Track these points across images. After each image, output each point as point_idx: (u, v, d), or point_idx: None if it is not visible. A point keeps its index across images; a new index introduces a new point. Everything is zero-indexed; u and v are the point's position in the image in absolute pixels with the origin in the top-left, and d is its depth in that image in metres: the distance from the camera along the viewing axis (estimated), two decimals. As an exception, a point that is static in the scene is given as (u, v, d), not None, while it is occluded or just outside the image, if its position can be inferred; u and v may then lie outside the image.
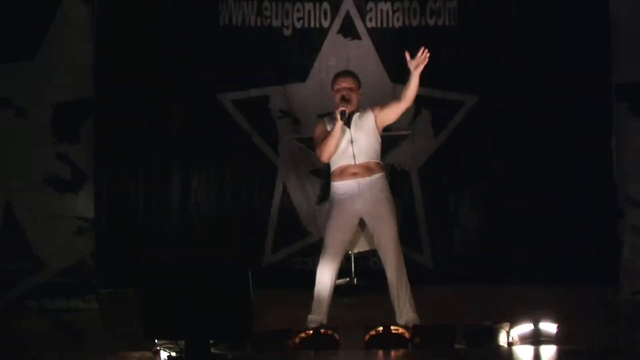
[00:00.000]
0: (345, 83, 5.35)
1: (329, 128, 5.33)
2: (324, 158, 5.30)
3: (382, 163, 5.42)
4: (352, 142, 5.30)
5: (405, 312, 5.36)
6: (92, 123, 6.49)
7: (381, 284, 6.12)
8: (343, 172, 5.35)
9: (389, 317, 5.43)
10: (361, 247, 5.98)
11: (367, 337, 5.14)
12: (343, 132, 5.24)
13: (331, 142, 5.22)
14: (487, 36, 6.78)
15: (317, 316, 5.37)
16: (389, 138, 6.87)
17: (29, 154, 6.34)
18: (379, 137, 5.37)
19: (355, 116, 5.29)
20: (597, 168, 6.70)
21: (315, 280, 5.40)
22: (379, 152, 5.38)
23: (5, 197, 6.31)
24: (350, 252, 6.38)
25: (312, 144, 5.48)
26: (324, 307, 5.38)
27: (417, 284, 5.50)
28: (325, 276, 5.36)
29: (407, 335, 5.12)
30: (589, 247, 6.65)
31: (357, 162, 5.32)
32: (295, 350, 4.89)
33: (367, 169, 5.34)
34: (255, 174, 6.89)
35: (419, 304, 5.42)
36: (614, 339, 5.09)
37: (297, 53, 6.89)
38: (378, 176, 5.37)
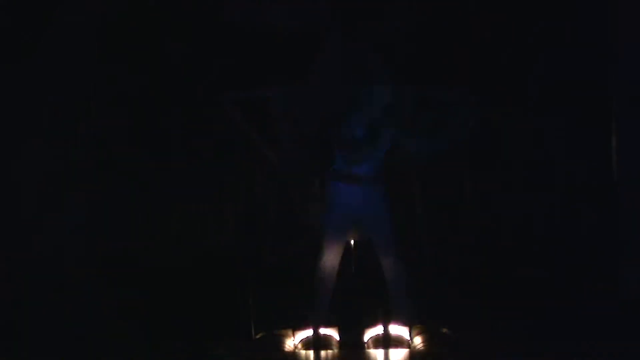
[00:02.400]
0: None
1: None
2: None
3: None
4: None
5: (404, 313, 5.37)
6: (92, 123, 6.51)
7: (381, 284, 6.13)
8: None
9: (389, 317, 5.43)
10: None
11: (366, 337, 5.16)
12: None
13: None
14: (486, 36, 6.77)
15: (318, 316, 5.38)
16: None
17: (28, 154, 6.35)
18: None
19: None
20: (597, 168, 6.69)
21: (315, 281, 5.41)
22: None
23: (4, 197, 6.32)
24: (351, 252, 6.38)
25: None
26: (326, 308, 5.39)
27: (417, 284, 5.50)
28: (326, 276, 5.38)
29: (406, 335, 5.14)
30: (588, 247, 6.64)
31: None
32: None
33: None
34: (255, 174, 6.88)
35: (419, 304, 5.43)
36: (613, 338, 5.10)
37: (297, 53, 6.88)
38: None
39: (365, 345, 5.14)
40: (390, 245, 5.38)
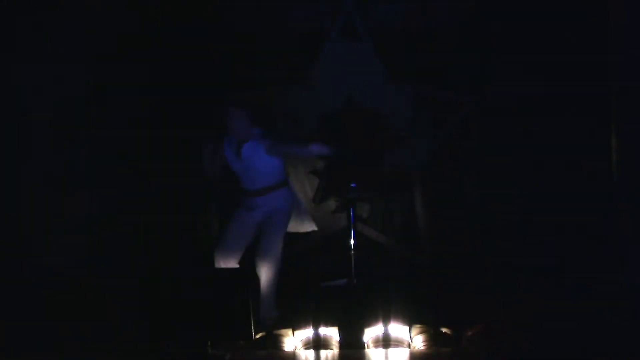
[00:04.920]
0: None
1: None
2: None
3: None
4: None
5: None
6: (92, 123, 6.52)
7: (381, 284, 6.13)
8: None
9: (390, 317, 5.44)
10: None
11: (366, 337, 5.16)
12: None
13: None
14: (486, 36, 6.78)
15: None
16: (388, 138, 6.87)
17: (28, 154, 6.36)
18: None
19: None
20: (597, 168, 6.70)
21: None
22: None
23: (5, 197, 6.32)
24: (351, 253, 6.39)
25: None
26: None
27: (417, 284, 5.50)
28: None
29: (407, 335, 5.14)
30: (589, 246, 6.64)
31: None
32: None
33: None
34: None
35: (419, 304, 5.43)
36: (613, 338, 5.10)
37: (297, 53, 6.89)
38: None
39: (366, 345, 5.15)
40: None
